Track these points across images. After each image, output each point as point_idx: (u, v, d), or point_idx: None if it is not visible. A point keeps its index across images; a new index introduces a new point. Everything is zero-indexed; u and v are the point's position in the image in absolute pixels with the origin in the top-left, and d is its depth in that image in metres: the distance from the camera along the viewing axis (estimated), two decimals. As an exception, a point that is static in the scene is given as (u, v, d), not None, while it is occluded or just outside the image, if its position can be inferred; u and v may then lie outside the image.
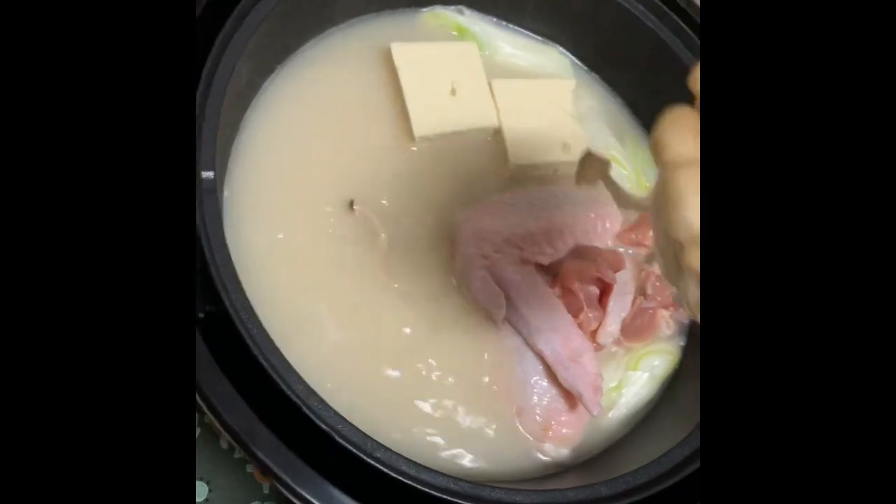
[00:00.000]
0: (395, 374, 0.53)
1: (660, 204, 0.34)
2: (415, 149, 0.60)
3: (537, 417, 0.54)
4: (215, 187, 0.46)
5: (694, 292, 0.34)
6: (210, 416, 0.42)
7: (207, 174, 0.46)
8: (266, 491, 0.58)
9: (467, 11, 0.67)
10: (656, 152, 0.34)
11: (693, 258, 0.32)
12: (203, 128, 0.46)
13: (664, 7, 0.64)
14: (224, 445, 0.59)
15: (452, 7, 0.67)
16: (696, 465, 0.49)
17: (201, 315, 0.44)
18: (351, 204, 0.55)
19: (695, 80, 0.33)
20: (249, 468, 0.59)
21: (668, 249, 0.35)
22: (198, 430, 0.58)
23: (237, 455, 0.59)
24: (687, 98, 0.34)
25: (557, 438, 0.55)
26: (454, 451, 0.52)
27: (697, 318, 0.34)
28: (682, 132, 0.33)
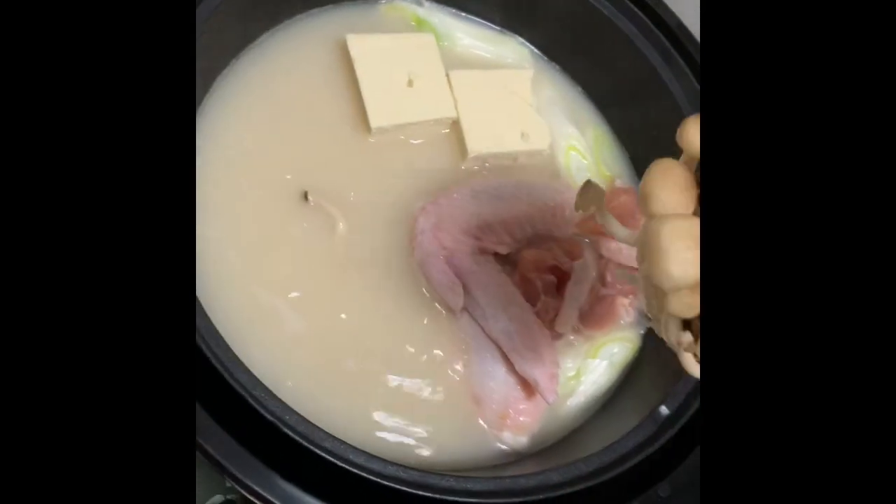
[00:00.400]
0: (351, 364, 0.53)
1: (645, 251, 0.35)
2: (372, 140, 0.60)
3: (494, 406, 0.54)
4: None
5: (675, 333, 0.36)
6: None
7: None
8: (229, 484, 0.58)
9: (426, 3, 0.67)
10: (643, 203, 0.36)
11: (674, 305, 0.34)
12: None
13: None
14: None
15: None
16: (649, 451, 0.49)
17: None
18: (305, 195, 0.55)
19: (686, 137, 0.35)
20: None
21: (650, 290, 0.37)
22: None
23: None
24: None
25: (515, 427, 0.55)
26: (409, 441, 0.52)
27: (680, 356, 0.36)
28: (669, 185, 0.35)
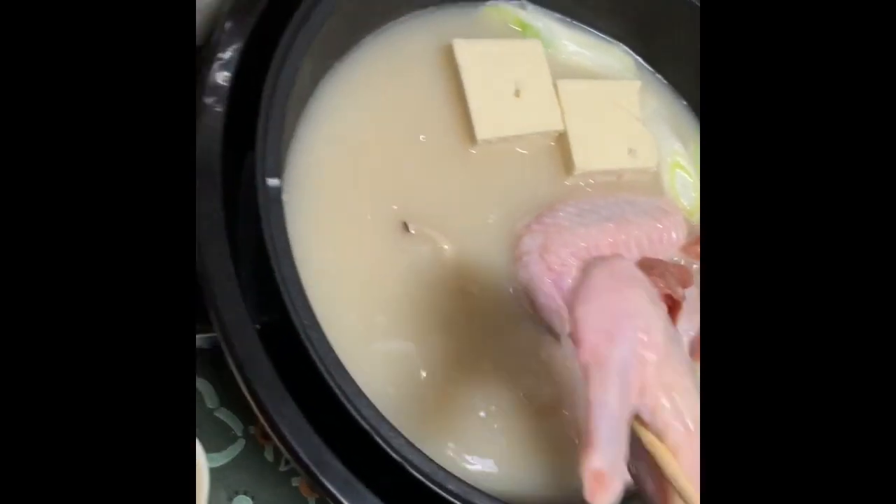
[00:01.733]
0: (464, 398, 0.50)
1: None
2: (474, 152, 0.57)
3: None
4: (280, 195, 0.43)
5: None
6: (278, 444, 0.39)
7: (273, 182, 0.43)
8: (312, 504, 0.56)
9: (529, 6, 0.64)
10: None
11: None
12: (268, 132, 0.43)
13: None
14: (269, 458, 0.56)
15: (514, 1, 0.63)
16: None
17: (258, 326, 0.42)
18: (406, 226, 0.52)
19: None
20: (295, 482, 0.56)
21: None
22: (242, 442, 0.56)
23: (283, 468, 0.56)
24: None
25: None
26: (520, 477, 0.49)
27: None
28: None
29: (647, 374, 0.36)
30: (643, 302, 0.38)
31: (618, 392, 0.35)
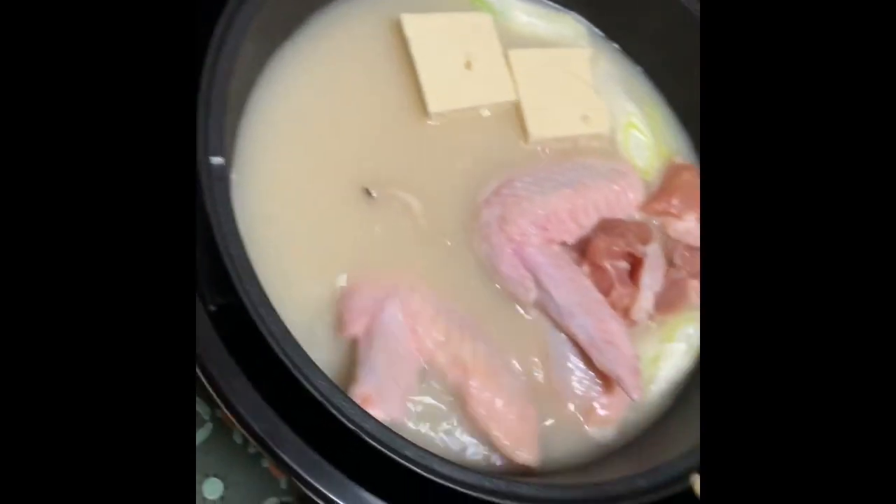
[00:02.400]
0: (426, 366, 0.50)
1: None
2: (431, 124, 0.57)
3: (577, 402, 0.53)
4: (225, 174, 0.43)
5: None
6: (228, 415, 0.39)
7: (216, 160, 0.43)
8: (283, 486, 0.56)
9: (480, -22, 0.63)
10: None
11: None
12: (210, 111, 0.43)
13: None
14: (238, 440, 0.57)
15: (464, -27, 0.63)
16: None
17: (213, 308, 0.42)
18: (368, 192, 0.52)
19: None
20: (265, 463, 0.57)
21: None
22: (210, 426, 0.56)
23: (251, 450, 0.57)
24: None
25: (600, 421, 0.53)
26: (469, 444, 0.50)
27: None
28: None
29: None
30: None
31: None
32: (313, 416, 0.40)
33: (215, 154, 0.43)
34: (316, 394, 0.40)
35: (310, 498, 0.56)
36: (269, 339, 0.40)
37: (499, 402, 0.49)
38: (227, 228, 0.42)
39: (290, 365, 0.40)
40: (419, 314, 0.49)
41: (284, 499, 0.56)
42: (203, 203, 0.42)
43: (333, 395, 0.40)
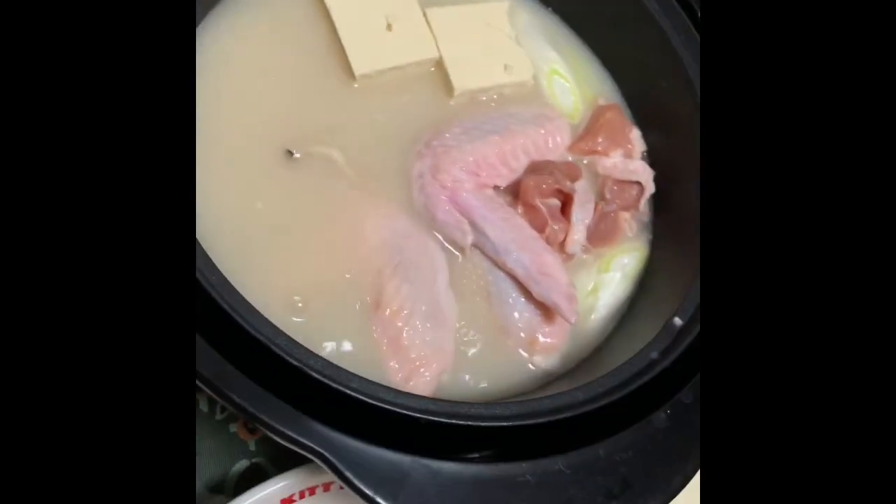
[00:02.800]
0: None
1: None
2: (357, 86, 0.59)
3: (521, 334, 0.55)
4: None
5: None
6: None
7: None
8: (253, 448, 0.58)
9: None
10: None
11: None
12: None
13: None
14: (204, 408, 0.59)
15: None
16: (665, 364, 0.50)
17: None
18: (290, 152, 0.55)
19: None
20: (233, 427, 0.59)
21: None
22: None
23: (218, 417, 0.58)
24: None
25: (544, 349, 0.55)
26: (451, 382, 0.53)
27: None
28: None
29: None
30: None
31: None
32: (261, 358, 0.43)
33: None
34: (260, 337, 0.42)
35: (280, 457, 0.58)
36: (209, 288, 0.43)
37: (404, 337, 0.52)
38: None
39: (229, 310, 0.42)
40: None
41: (255, 459, 0.58)
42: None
43: (278, 336, 0.43)
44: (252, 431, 0.58)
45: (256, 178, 0.54)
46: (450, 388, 0.53)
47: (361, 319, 0.52)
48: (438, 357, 0.52)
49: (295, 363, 0.42)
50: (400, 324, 0.52)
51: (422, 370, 0.51)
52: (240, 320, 0.42)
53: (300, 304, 0.51)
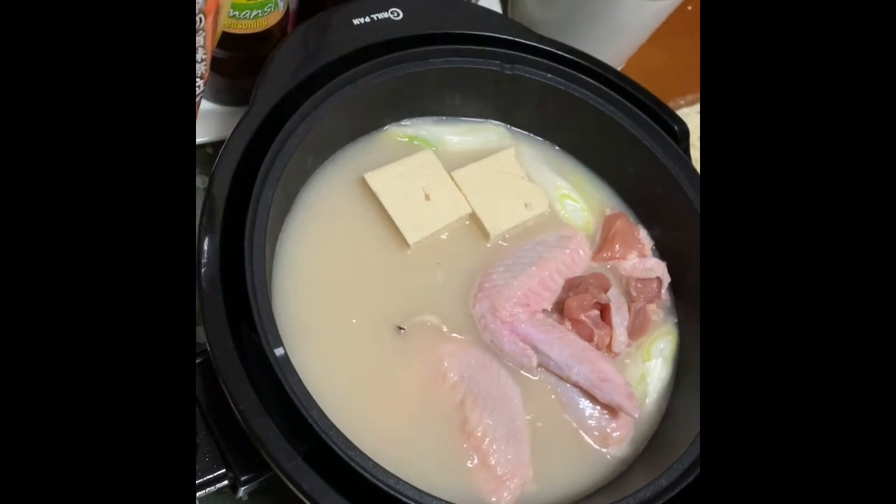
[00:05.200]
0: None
1: None
2: (409, 252, 0.71)
3: (595, 432, 0.66)
4: (288, 360, 0.56)
5: None
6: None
7: (279, 351, 0.56)
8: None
9: (406, 121, 0.77)
10: None
11: None
12: (259, 303, 0.56)
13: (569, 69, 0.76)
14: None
15: (394, 124, 0.77)
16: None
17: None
18: (399, 327, 0.66)
19: None
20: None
21: None
22: None
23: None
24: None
25: (616, 441, 0.66)
26: (538, 489, 0.64)
27: None
28: None
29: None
30: None
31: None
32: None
33: (276, 346, 0.56)
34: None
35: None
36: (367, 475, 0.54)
37: (490, 458, 0.63)
38: (300, 391, 0.55)
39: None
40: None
41: None
42: (280, 381, 0.55)
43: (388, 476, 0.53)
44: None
45: (364, 347, 0.65)
46: (536, 494, 0.63)
47: (451, 444, 0.63)
48: (519, 471, 0.63)
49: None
50: (484, 447, 0.63)
51: (507, 483, 0.62)
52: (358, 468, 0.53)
53: (400, 440, 0.62)
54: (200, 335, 0.61)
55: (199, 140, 0.77)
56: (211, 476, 0.60)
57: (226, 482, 0.61)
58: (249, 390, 0.53)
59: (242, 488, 0.62)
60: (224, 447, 0.61)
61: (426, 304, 0.69)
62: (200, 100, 0.50)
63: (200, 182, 0.78)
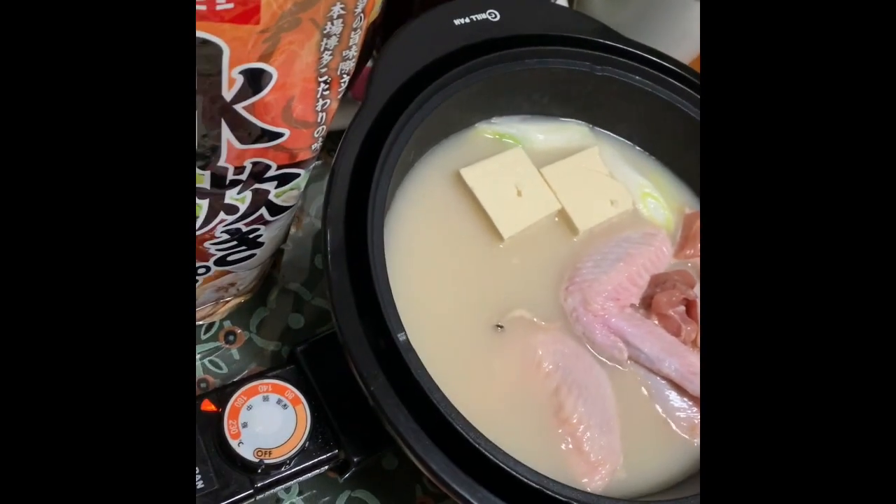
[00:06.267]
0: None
1: None
2: (502, 246, 0.74)
3: (683, 423, 0.69)
4: (410, 346, 0.58)
5: None
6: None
7: (402, 336, 0.58)
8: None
9: (496, 119, 0.80)
10: None
11: None
12: (385, 298, 0.59)
13: (655, 72, 0.78)
14: None
15: (484, 121, 0.80)
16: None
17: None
18: (499, 325, 0.69)
19: None
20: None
21: None
22: None
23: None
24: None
25: (703, 432, 0.69)
26: (628, 476, 0.67)
27: None
28: None
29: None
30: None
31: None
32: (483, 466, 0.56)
33: (398, 331, 0.59)
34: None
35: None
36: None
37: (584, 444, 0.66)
38: (422, 375, 0.57)
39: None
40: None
41: None
42: (405, 365, 0.57)
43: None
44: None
45: (462, 339, 0.68)
46: (625, 481, 0.66)
47: (546, 429, 0.66)
48: (611, 457, 0.66)
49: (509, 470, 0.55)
50: (579, 433, 0.65)
51: (599, 469, 0.65)
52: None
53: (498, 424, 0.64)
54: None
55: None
56: (324, 457, 0.63)
57: (333, 463, 0.64)
58: (379, 372, 0.56)
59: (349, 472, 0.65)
60: (338, 427, 0.64)
61: (519, 298, 0.71)
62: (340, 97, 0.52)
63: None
